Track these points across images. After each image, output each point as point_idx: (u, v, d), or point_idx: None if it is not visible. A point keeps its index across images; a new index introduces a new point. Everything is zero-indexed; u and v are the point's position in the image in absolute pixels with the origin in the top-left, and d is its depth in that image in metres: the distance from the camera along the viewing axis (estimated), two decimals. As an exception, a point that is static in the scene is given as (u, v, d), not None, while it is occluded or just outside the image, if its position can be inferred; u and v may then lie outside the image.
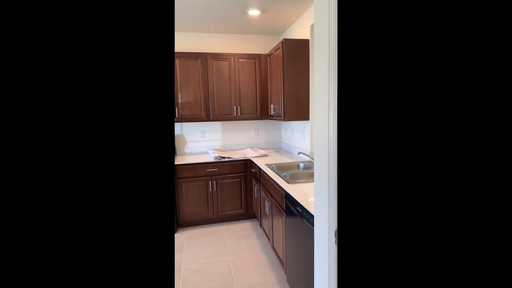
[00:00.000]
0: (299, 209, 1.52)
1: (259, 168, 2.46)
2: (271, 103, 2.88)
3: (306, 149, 2.70)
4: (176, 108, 2.85)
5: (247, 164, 2.88)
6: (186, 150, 3.20)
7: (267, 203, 2.24)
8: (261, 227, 2.60)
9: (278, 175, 2.04)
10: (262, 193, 2.43)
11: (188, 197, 2.76)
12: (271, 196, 2.12)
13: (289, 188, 1.71)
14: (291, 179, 2.00)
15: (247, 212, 2.94)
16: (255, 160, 2.69)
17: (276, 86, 2.67)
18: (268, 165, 2.39)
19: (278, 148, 3.44)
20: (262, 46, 3.29)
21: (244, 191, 2.91)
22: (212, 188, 2.81)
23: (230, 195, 2.88)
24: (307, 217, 1.40)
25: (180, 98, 2.85)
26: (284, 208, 1.78)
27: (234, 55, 2.94)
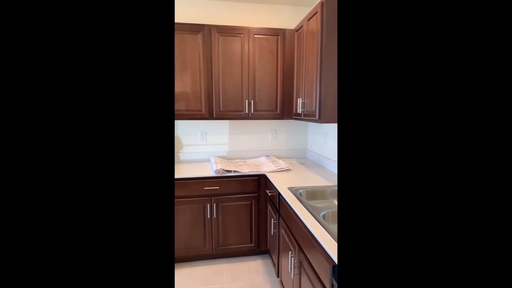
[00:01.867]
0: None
1: (279, 193, 1.64)
2: (298, 97, 2.04)
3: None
4: (167, 100, 2.07)
5: (261, 181, 2.07)
6: (182, 156, 2.44)
7: (291, 258, 1.42)
8: (278, 277, 1.79)
9: (313, 214, 1.22)
10: (283, 233, 1.62)
11: (179, 224, 1.99)
12: (299, 248, 1.30)
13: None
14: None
15: (258, 246, 2.14)
16: (272, 177, 1.87)
17: (307, 73, 1.83)
18: (293, 190, 1.57)
19: (303, 158, 2.60)
20: (286, 18, 2.45)
21: (255, 218, 2.10)
22: (212, 212, 2.02)
23: (236, 222, 2.08)
24: None
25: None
26: (328, 289, 0.96)
27: (248, 29, 2.12)
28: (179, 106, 2.11)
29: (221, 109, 2.17)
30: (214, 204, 2.02)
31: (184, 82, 2.09)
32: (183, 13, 2.29)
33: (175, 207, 1.97)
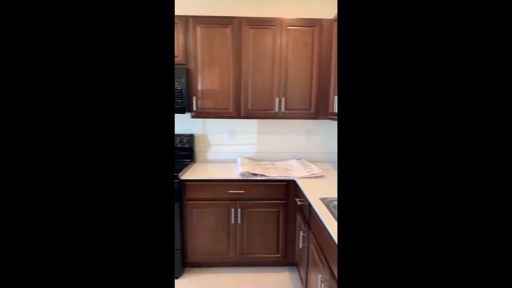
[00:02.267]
0: None
1: (309, 204, 1.45)
2: (335, 95, 1.81)
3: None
4: (195, 98, 1.99)
5: (290, 187, 1.88)
6: (209, 156, 2.35)
7: (320, 280, 1.22)
8: (305, 296, 1.59)
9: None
10: (312, 249, 1.42)
11: (201, 228, 1.90)
12: (330, 270, 1.10)
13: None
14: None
15: (285, 258, 1.96)
16: (303, 184, 1.68)
17: (347, 66, 1.58)
18: (326, 201, 1.36)
19: (339, 162, 2.34)
20: (324, 8, 2.21)
21: (283, 227, 1.92)
22: (236, 218, 1.89)
23: (262, 230, 1.92)
24: None
25: (200, 84, 1.99)
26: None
27: (281, 20, 1.94)
28: (206, 103, 2.01)
29: (249, 107, 2.02)
30: (239, 209, 1.89)
31: (212, 79, 1.99)
32: (212, 6, 2.19)
33: (198, 209, 1.88)
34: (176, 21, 1.92)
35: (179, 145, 2.24)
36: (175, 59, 1.95)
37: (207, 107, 2.02)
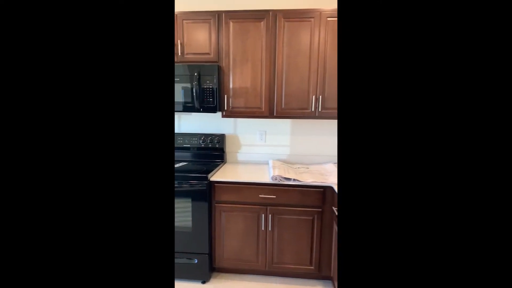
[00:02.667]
0: None
1: (351, 215, 1.27)
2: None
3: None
4: (226, 96, 1.91)
5: (327, 194, 1.71)
6: (240, 157, 2.26)
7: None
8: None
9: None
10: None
11: (230, 232, 1.82)
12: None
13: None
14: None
15: (319, 271, 1.79)
16: (342, 193, 1.50)
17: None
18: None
19: (382, 168, 2.10)
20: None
21: (317, 237, 1.76)
22: (267, 224, 1.78)
23: (294, 239, 1.78)
24: None
25: (232, 82, 1.90)
26: None
27: (320, 11, 1.78)
28: (237, 102, 1.93)
29: (283, 106, 1.89)
30: (270, 214, 1.77)
31: (244, 76, 1.89)
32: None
33: (227, 213, 1.80)
34: (208, 17, 1.86)
35: (210, 145, 2.18)
36: (207, 56, 1.90)
37: (239, 106, 1.93)
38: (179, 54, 1.90)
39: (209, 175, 1.78)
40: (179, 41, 1.89)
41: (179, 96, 1.89)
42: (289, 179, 1.73)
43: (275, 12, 1.82)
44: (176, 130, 2.29)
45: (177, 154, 2.22)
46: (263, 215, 1.77)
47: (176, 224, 1.80)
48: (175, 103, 1.90)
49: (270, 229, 1.78)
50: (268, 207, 1.76)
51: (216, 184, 1.78)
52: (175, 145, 2.21)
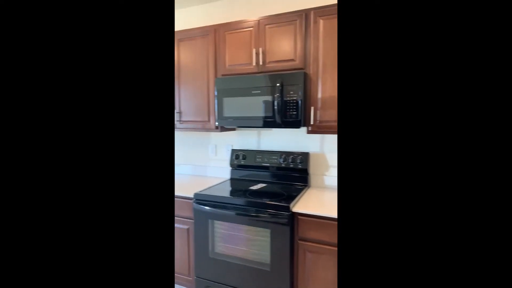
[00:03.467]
0: None
1: None
2: None
3: None
4: (312, 108, 1.59)
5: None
6: (328, 181, 1.88)
7: None
8: None
9: None
10: None
11: (317, 279, 1.44)
12: None
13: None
14: None
15: None
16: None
17: None
18: None
19: None
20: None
21: None
22: (367, 277, 1.32)
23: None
24: None
25: (320, 91, 1.57)
26: None
27: None
28: (327, 115, 1.57)
29: (390, 119, 1.43)
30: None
31: (336, 84, 1.53)
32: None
33: (314, 254, 1.43)
34: (293, 18, 1.60)
35: (291, 165, 1.88)
36: (292, 63, 1.63)
37: (329, 120, 1.58)
38: (260, 63, 1.71)
39: (291, 205, 1.47)
40: (260, 49, 1.69)
41: (259, 110, 1.67)
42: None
43: None
44: (255, 147, 2.09)
45: (255, 173, 2.01)
46: (362, 264, 1.33)
47: (253, 257, 1.55)
48: (255, 118, 1.69)
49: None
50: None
51: (299, 217, 1.45)
52: (253, 163, 2.00)
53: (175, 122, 2.02)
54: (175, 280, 1.88)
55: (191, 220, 1.75)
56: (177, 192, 1.79)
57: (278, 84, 1.60)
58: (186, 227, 1.78)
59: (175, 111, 2.02)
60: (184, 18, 2.27)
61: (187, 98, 1.97)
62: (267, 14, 1.82)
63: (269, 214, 1.48)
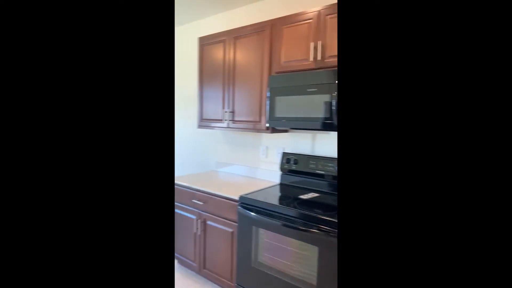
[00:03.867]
0: None
1: None
2: None
3: None
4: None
5: None
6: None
7: None
8: None
9: None
10: None
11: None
12: None
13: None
14: None
15: None
16: None
17: None
18: None
19: None
20: None
21: None
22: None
23: None
24: None
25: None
26: None
27: None
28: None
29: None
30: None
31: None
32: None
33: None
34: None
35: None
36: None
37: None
38: (318, 58, 1.53)
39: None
40: (319, 42, 1.52)
41: (314, 110, 1.50)
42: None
43: None
44: (308, 152, 1.91)
45: (307, 180, 1.83)
46: None
47: (297, 274, 1.39)
48: (309, 119, 1.52)
49: None
50: None
51: (356, 238, 1.22)
52: (306, 169, 1.83)
53: (228, 122, 1.99)
54: (218, 284, 1.84)
55: (235, 224, 1.68)
56: (222, 192, 1.74)
57: (337, 81, 1.39)
58: (230, 230, 1.72)
59: (229, 110, 1.99)
60: (240, 18, 2.23)
61: (241, 98, 1.92)
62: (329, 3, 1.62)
63: (319, 229, 1.29)
